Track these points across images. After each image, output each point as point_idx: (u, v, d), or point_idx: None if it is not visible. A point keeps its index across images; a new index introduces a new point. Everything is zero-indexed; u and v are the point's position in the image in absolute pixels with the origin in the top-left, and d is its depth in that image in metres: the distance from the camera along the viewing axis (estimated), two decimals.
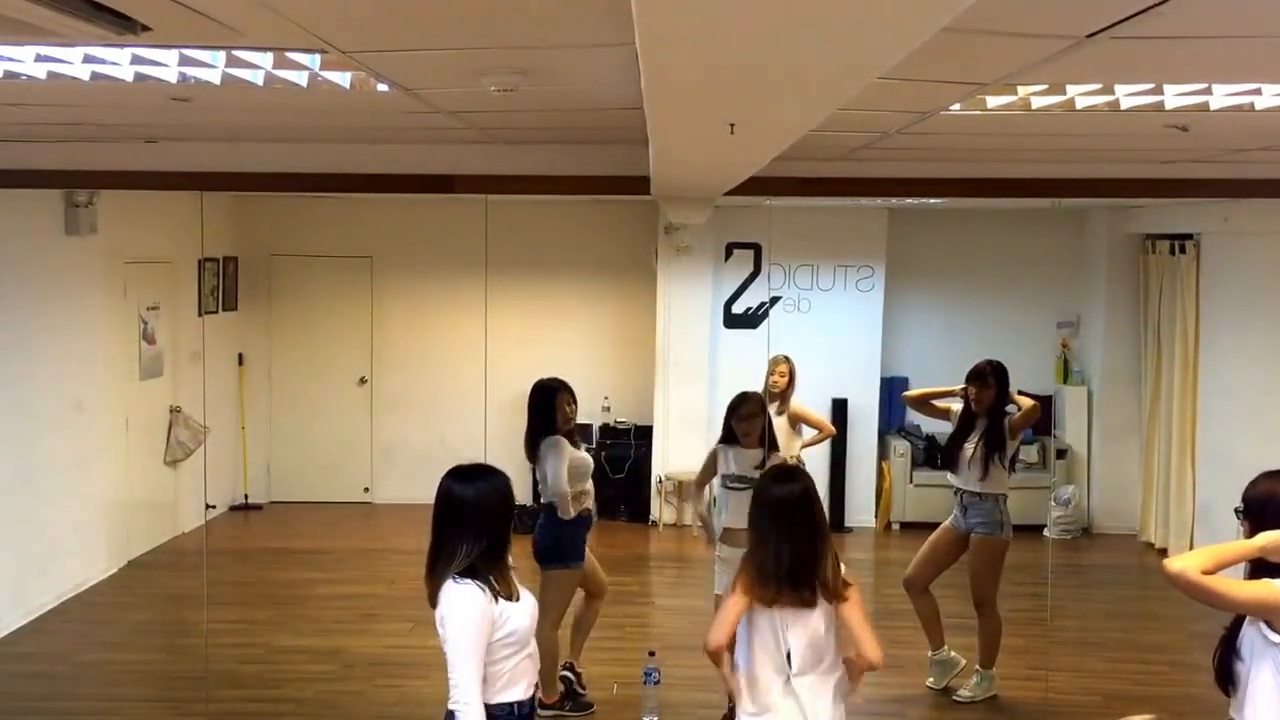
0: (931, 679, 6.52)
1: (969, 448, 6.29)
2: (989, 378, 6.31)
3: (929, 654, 6.51)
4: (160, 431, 9.22)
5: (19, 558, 7.36)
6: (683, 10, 1.81)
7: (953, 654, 6.51)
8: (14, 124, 5.01)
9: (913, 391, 7.03)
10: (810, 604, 3.73)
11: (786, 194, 6.47)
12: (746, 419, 5.90)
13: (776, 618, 3.76)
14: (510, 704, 3.41)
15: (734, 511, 5.64)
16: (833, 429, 7.55)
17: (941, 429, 7.28)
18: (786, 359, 7.11)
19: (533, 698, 3.50)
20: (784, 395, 7.07)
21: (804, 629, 3.74)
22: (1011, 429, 6.35)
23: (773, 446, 5.96)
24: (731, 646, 3.85)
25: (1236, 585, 3.08)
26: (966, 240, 10.41)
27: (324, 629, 7.45)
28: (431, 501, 3.54)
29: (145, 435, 9.00)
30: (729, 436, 5.97)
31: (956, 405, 6.53)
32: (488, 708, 3.33)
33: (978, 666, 6.43)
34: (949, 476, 6.49)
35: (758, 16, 1.84)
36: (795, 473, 4.06)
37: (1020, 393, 6.66)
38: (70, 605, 7.81)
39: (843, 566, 3.85)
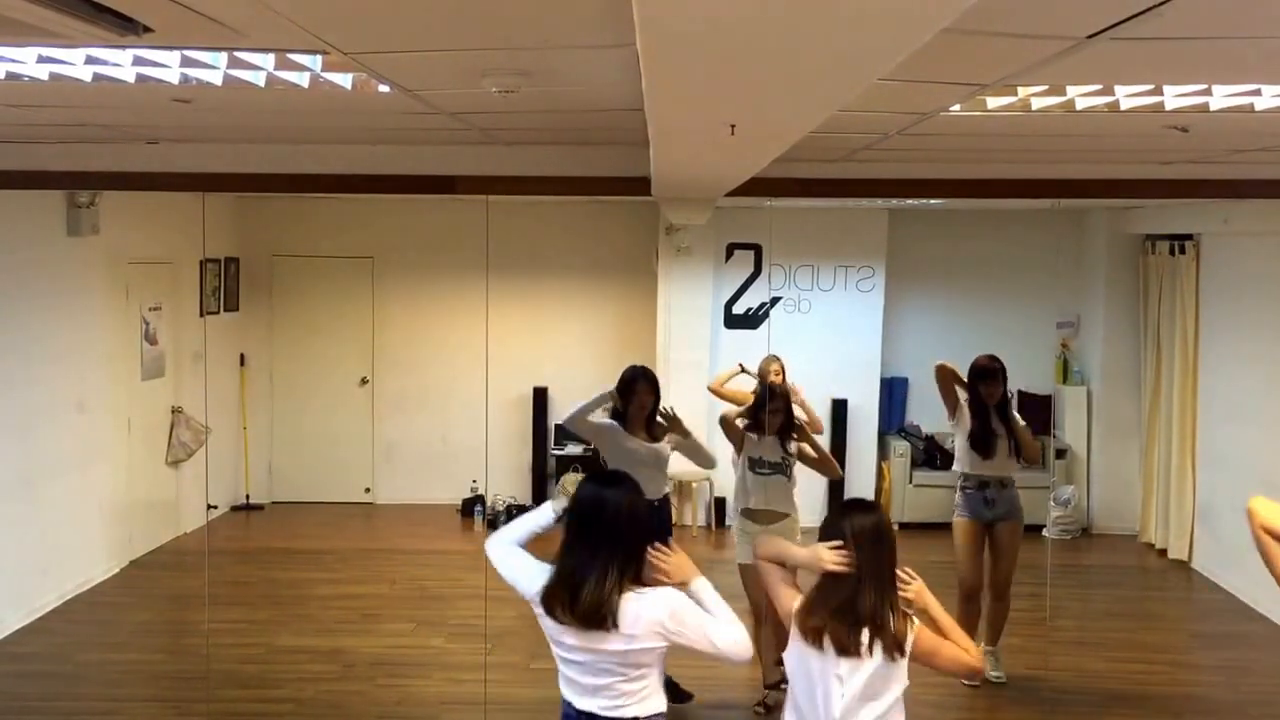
0: (996, 673, 6.65)
1: (1001, 434, 6.50)
2: (999, 374, 6.55)
3: (989, 648, 6.64)
4: (162, 432, 9.23)
5: (21, 558, 7.37)
6: (684, 11, 1.82)
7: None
8: (16, 125, 5.02)
9: (951, 363, 6.86)
10: (859, 653, 3.29)
11: (787, 195, 6.48)
12: (774, 413, 6.21)
13: (817, 660, 3.33)
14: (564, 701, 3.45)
15: (759, 494, 6.17)
16: (820, 422, 7.54)
17: (942, 429, 7.30)
18: (777, 358, 7.28)
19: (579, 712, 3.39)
20: None
21: (851, 680, 3.30)
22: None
23: (792, 430, 6.25)
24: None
25: None
26: (966, 241, 10.42)
27: (325, 629, 7.45)
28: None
29: (147, 436, 9.01)
30: (756, 426, 6.23)
31: (962, 397, 6.66)
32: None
33: (990, 647, 6.62)
34: (973, 465, 6.53)
35: (759, 18, 1.84)
36: (871, 506, 3.62)
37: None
38: (72, 605, 7.83)
39: (913, 621, 3.39)
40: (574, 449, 10.20)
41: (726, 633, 3.25)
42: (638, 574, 3.32)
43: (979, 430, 6.53)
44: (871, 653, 3.29)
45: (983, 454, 6.51)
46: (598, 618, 3.25)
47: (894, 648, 3.30)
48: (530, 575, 3.46)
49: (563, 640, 3.37)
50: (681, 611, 3.27)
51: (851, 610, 3.32)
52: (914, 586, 3.46)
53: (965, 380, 6.68)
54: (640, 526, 3.39)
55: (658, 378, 6.31)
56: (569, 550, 3.36)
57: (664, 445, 6.15)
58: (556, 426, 10.44)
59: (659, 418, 6.14)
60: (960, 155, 5.47)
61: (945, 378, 6.80)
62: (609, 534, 3.32)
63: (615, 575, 3.26)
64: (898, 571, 3.44)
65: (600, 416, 6.26)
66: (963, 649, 3.45)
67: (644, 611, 3.25)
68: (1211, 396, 8.78)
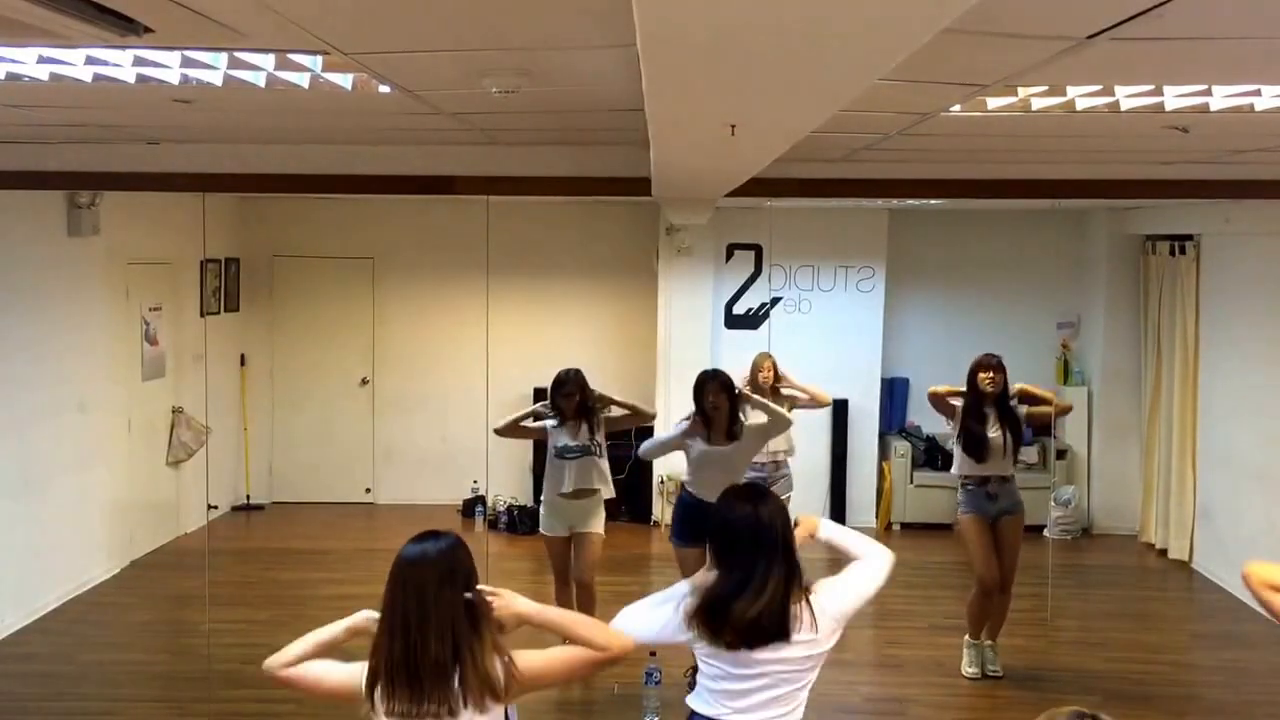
0: (994, 667, 6.70)
1: (995, 435, 6.51)
2: (1000, 369, 6.56)
3: (989, 643, 6.70)
4: (162, 432, 9.23)
5: (21, 558, 7.36)
6: (684, 12, 1.82)
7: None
8: (17, 125, 5.02)
9: (940, 387, 6.87)
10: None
11: (787, 195, 6.49)
12: (568, 396, 6.78)
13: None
14: None
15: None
16: (824, 396, 7.44)
17: (943, 430, 7.31)
18: (769, 355, 7.36)
19: None
20: (776, 389, 7.20)
21: None
22: (1034, 418, 6.89)
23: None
24: None
25: None
26: (967, 241, 10.42)
27: None
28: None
29: (147, 436, 9.01)
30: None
31: (957, 402, 6.68)
32: None
33: (991, 642, 6.70)
34: (969, 467, 6.55)
35: (759, 18, 1.84)
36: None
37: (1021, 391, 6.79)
38: (72, 605, 7.82)
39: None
40: None
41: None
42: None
43: (972, 435, 6.55)
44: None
45: (976, 458, 6.52)
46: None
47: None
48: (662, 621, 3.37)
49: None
50: None
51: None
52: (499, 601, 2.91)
53: (959, 389, 6.69)
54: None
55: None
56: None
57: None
58: None
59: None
60: (960, 155, 5.47)
61: (938, 400, 6.81)
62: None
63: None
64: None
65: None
66: (583, 638, 2.95)
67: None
68: (1211, 397, 8.77)
